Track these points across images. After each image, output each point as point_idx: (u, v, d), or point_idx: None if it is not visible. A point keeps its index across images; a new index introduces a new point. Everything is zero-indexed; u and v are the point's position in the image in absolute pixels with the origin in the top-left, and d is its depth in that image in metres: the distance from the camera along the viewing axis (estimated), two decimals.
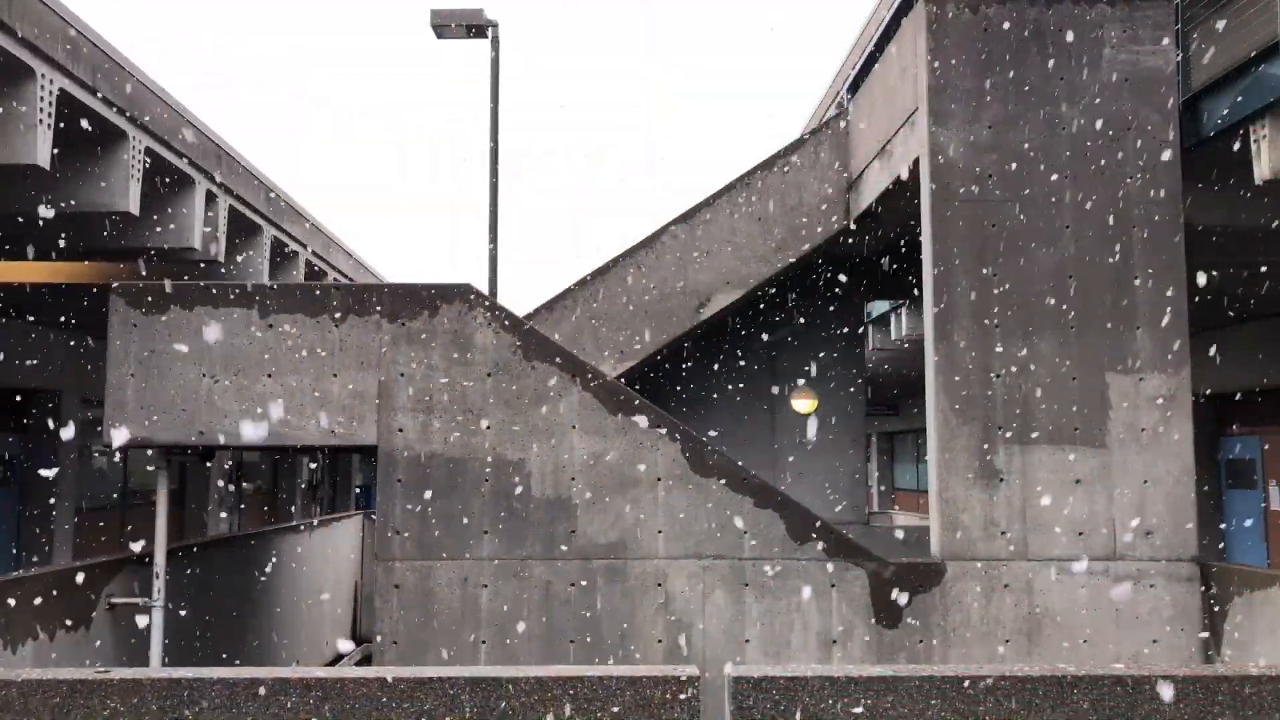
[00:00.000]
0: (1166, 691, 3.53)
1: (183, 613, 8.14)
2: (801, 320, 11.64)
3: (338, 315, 7.00)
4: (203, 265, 11.86)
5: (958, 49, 7.42)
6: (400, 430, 6.95)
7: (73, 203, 9.48)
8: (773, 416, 11.59)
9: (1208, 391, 14.15)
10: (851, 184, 9.88)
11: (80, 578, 7.10)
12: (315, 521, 12.75)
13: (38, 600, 6.60)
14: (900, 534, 11.25)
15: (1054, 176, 7.26)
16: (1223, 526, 15.57)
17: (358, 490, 28.36)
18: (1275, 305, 12.80)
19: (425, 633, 6.84)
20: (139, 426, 6.91)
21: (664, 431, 7.01)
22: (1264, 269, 10.47)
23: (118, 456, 18.03)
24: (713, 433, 11.24)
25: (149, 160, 9.95)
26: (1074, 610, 6.93)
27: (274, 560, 10.62)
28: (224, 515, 21.08)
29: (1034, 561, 6.99)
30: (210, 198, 11.55)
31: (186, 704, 3.49)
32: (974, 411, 7.12)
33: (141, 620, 7.41)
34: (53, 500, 15.92)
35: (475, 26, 12.37)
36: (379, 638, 6.88)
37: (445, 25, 12.27)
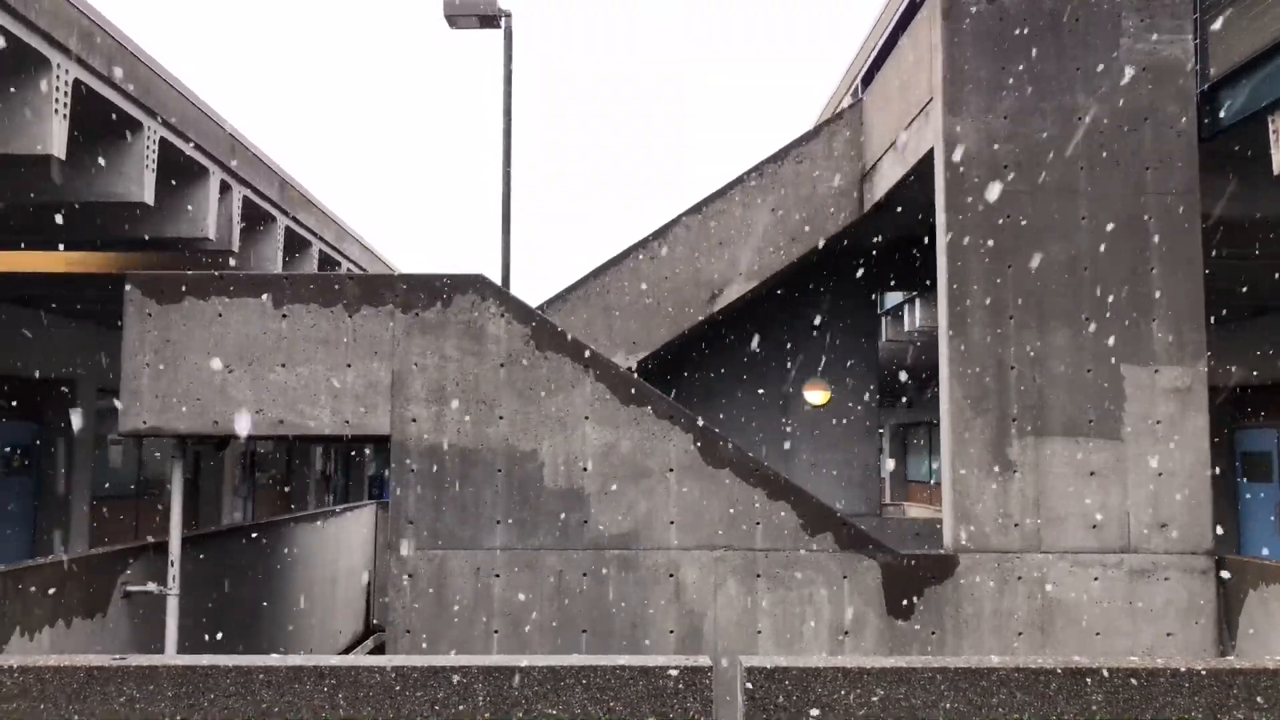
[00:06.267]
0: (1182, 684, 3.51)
1: (197, 601, 8.18)
2: (814, 311, 11.61)
3: (351, 305, 7.02)
4: (217, 255, 11.90)
5: (973, 38, 7.37)
6: (413, 420, 6.97)
7: (88, 193, 9.52)
8: (785, 408, 11.57)
9: (1224, 384, 14.06)
10: (865, 175, 9.83)
11: (96, 566, 7.14)
12: (329, 511, 12.80)
13: (54, 588, 6.65)
14: (917, 526, 11.24)
15: (1070, 167, 7.21)
16: (1238, 520, 15.48)
17: (370, 480, 28.46)
18: None
19: (438, 622, 6.86)
20: (153, 415, 6.94)
21: (676, 422, 7.01)
22: None
23: (133, 445, 18.14)
24: (725, 424, 11.23)
25: (163, 150, 9.97)
26: (1087, 602, 6.91)
27: (288, 549, 10.66)
28: (238, 504, 21.19)
29: (1047, 554, 6.96)
30: (224, 188, 11.58)
31: (201, 691, 3.51)
32: (988, 403, 7.09)
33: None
34: (69, 488, 16.03)
35: (488, 17, 12.36)
36: (392, 626, 6.91)
37: (458, 15, 12.26)
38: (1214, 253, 8.37)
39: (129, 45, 9.27)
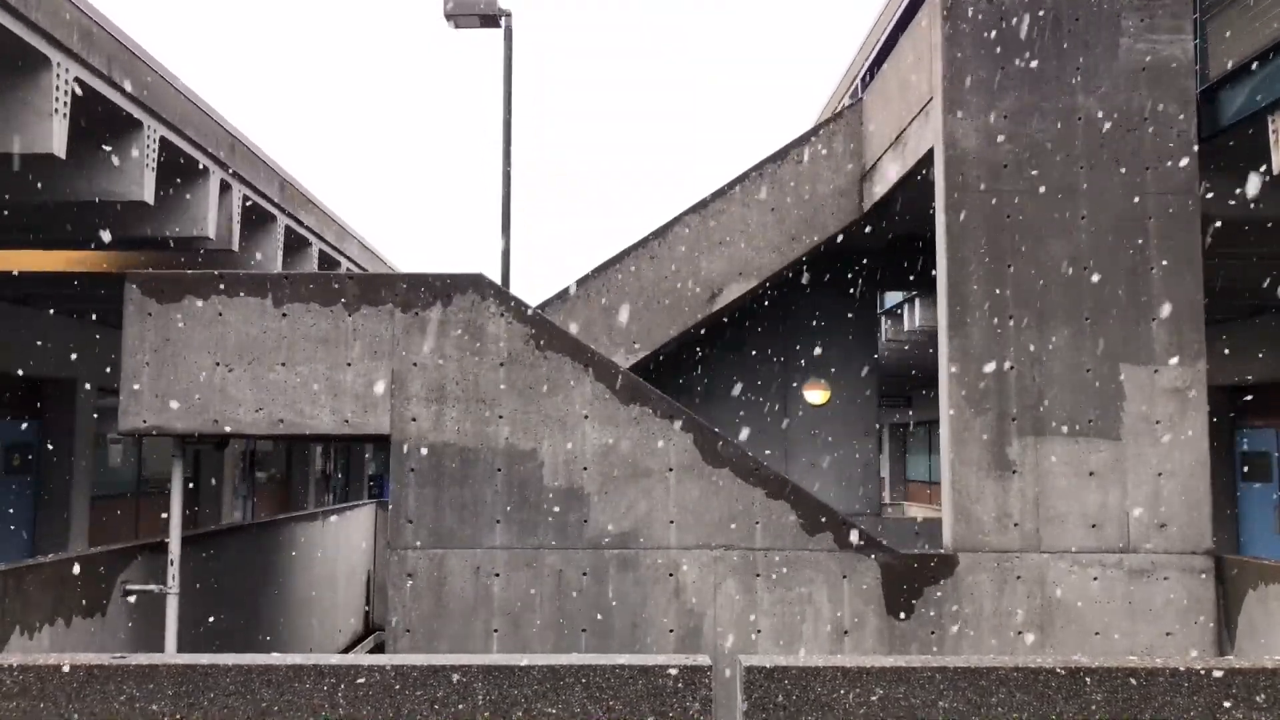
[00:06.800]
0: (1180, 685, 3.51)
1: (197, 601, 8.18)
2: (814, 311, 11.61)
3: (351, 305, 7.02)
4: (217, 255, 11.89)
5: (973, 37, 7.37)
6: (413, 420, 6.97)
7: (88, 192, 9.51)
8: (785, 407, 11.58)
9: (1223, 384, 14.06)
10: (865, 174, 9.83)
11: (96, 565, 7.15)
12: (329, 510, 12.80)
13: (54, 587, 6.65)
14: (916, 525, 11.24)
15: (1070, 166, 7.22)
16: (1238, 520, 15.49)
17: (370, 479, 28.47)
18: None
19: (438, 621, 6.87)
20: (153, 414, 6.94)
21: (676, 422, 7.01)
22: None
23: (133, 444, 18.14)
24: (725, 424, 11.24)
25: (163, 150, 9.97)
26: (1087, 602, 6.91)
27: (288, 548, 10.67)
28: (238, 503, 21.20)
29: (1047, 553, 6.97)
30: (224, 187, 11.58)
31: (201, 690, 3.51)
32: (988, 403, 7.09)
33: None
34: (68, 487, 16.02)
35: (488, 16, 12.38)
36: (392, 626, 6.91)
37: (458, 15, 12.28)
38: (1214, 252, 8.36)
39: (129, 45, 9.27)
